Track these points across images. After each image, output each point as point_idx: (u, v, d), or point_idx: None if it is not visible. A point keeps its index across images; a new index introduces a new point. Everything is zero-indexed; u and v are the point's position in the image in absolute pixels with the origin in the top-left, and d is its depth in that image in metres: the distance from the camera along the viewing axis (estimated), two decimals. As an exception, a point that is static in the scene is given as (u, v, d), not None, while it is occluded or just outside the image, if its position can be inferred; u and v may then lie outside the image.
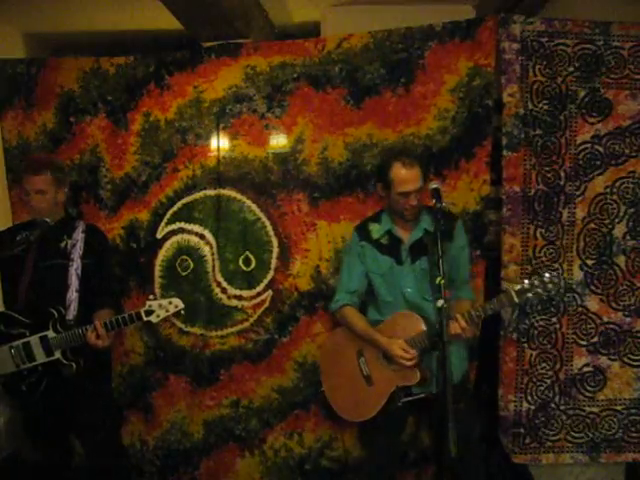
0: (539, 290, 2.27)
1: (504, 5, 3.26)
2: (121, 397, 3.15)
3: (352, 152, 2.94)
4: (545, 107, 2.74)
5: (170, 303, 2.50)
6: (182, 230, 3.11)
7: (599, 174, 2.76)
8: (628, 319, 2.81)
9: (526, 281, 2.29)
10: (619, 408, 2.84)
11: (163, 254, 3.12)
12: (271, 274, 3.04)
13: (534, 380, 2.83)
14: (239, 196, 3.05)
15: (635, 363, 2.82)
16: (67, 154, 3.13)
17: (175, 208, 3.10)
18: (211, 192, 3.07)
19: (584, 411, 2.85)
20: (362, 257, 2.57)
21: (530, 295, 2.28)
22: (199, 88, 3.04)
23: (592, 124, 2.75)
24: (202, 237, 3.09)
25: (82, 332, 2.45)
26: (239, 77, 3.01)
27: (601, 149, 2.75)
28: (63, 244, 2.61)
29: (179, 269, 3.11)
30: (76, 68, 3.12)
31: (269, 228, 3.03)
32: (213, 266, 3.09)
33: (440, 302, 2.06)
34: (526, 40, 2.72)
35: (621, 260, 2.79)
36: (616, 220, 2.77)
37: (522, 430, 2.84)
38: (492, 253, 2.88)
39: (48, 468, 2.70)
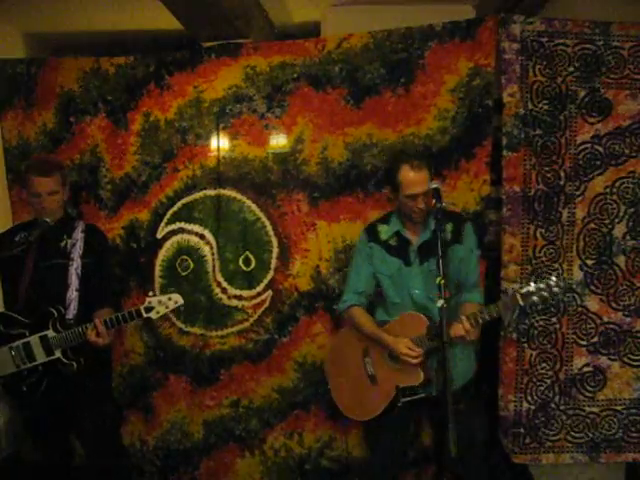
0: (544, 294, 2.26)
1: (504, 5, 3.25)
2: (121, 397, 3.15)
3: (352, 152, 2.94)
4: (545, 107, 2.74)
5: (170, 299, 2.51)
6: (182, 230, 3.11)
7: (599, 174, 2.76)
8: (628, 319, 2.81)
9: (532, 284, 2.29)
10: (619, 408, 2.84)
11: (163, 254, 3.12)
12: (271, 274, 3.04)
13: (534, 380, 2.83)
14: (239, 196, 3.06)
15: (635, 363, 2.82)
16: (67, 154, 3.13)
17: (175, 208, 3.10)
18: (211, 192, 3.07)
19: (584, 411, 2.85)
20: (370, 258, 2.57)
21: (535, 298, 2.27)
22: (199, 88, 3.04)
23: (592, 124, 2.75)
24: (202, 237, 3.09)
25: (82, 330, 2.45)
26: (239, 77, 3.02)
27: (601, 149, 2.75)
28: (63, 244, 2.62)
29: (179, 269, 3.11)
30: (76, 68, 3.12)
31: (269, 228, 3.03)
32: (213, 266, 3.09)
33: (440, 302, 2.06)
34: (526, 40, 2.72)
35: (621, 260, 2.79)
36: (616, 220, 2.77)
37: (522, 430, 2.84)
38: (492, 253, 2.88)
39: (48, 468, 2.70)
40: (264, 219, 3.04)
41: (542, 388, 2.83)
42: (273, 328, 3.05)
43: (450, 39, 2.81)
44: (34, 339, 2.50)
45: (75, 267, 2.56)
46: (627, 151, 2.75)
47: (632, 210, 2.76)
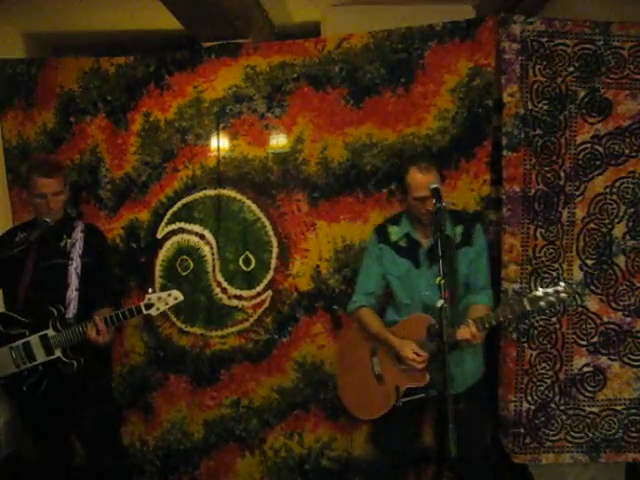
0: (552, 299, 2.26)
1: (504, 5, 3.25)
2: (121, 397, 3.15)
3: (352, 152, 2.94)
4: (545, 107, 2.74)
5: (169, 295, 2.52)
6: (182, 230, 3.11)
7: (599, 174, 2.76)
8: (628, 319, 2.81)
9: (540, 289, 2.29)
10: (619, 408, 2.84)
11: (163, 254, 3.12)
12: (271, 274, 3.04)
13: (534, 380, 2.83)
14: (239, 196, 3.06)
15: (635, 363, 2.82)
16: (67, 154, 3.13)
17: (175, 208, 3.10)
18: (211, 192, 3.07)
19: (584, 411, 2.84)
20: (380, 259, 2.58)
21: (543, 304, 2.27)
22: (199, 88, 3.04)
23: (592, 124, 2.75)
24: (202, 237, 3.09)
25: (82, 329, 2.46)
26: (239, 77, 3.01)
27: (601, 149, 2.75)
28: (63, 243, 2.63)
29: (179, 269, 3.11)
30: (76, 68, 3.12)
31: (269, 228, 3.03)
32: (213, 266, 3.09)
33: (440, 302, 2.06)
34: (526, 40, 2.71)
35: (621, 260, 2.79)
36: (616, 220, 2.77)
37: (522, 430, 2.84)
38: (492, 253, 2.88)
39: (48, 468, 2.70)
40: (264, 219, 3.04)
41: (542, 388, 2.83)
42: (273, 328, 3.05)
43: (450, 39, 2.81)
44: (34, 339, 2.50)
45: (75, 267, 2.57)
46: (627, 151, 2.75)
47: (632, 210, 2.76)
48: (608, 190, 2.76)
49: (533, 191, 2.77)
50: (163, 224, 3.12)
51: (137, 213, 3.12)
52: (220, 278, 3.08)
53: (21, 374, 2.52)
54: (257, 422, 3.10)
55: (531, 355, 2.82)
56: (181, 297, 2.54)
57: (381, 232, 2.62)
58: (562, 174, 2.76)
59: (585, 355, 2.82)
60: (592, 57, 2.71)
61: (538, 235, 2.79)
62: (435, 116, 2.85)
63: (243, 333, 3.08)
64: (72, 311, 2.51)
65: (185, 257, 3.11)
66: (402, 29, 2.87)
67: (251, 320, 3.07)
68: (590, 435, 2.85)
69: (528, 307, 2.29)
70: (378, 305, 2.65)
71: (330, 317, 3.00)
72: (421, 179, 2.38)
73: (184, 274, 3.10)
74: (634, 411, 2.83)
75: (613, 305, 2.80)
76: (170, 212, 3.11)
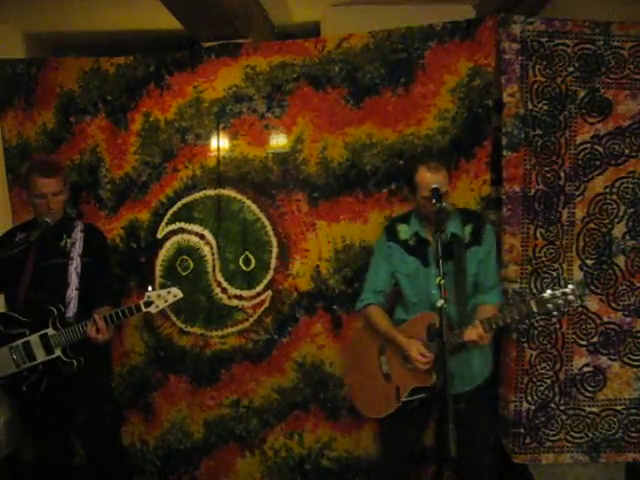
0: (560, 301, 2.25)
1: (504, 5, 3.25)
2: (121, 397, 3.15)
3: (352, 152, 2.94)
4: (545, 107, 2.74)
5: (169, 293, 2.52)
6: (182, 230, 3.11)
7: (599, 174, 2.76)
8: (628, 319, 2.81)
9: (548, 291, 2.27)
10: (619, 408, 2.84)
11: (163, 254, 3.12)
12: (271, 274, 3.04)
13: (534, 380, 2.83)
14: (239, 196, 3.06)
15: (635, 363, 2.82)
16: (67, 154, 3.13)
17: (175, 208, 3.10)
18: (211, 192, 3.07)
19: (584, 411, 2.85)
20: (389, 257, 2.59)
21: (550, 306, 2.26)
22: (199, 88, 3.04)
23: (592, 124, 2.75)
24: (202, 237, 3.09)
25: (82, 327, 2.46)
26: (239, 77, 3.01)
27: (601, 149, 2.75)
28: (62, 243, 2.63)
29: (179, 269, 3.11)
30: (76, 68, 3.12)
31: (269, 228, 3.03)
32: (213, 266, 3.09)
33: (440, 302, 2.06)
34: (526, 40, 2.71)
35: (621, 260, 2.79)
36: (616, 220, 2.77)
37: (522, 430, 2.84)
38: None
39: (47, 468, 2.70)
40: (264, 219, 3.04)
41: (542, 388, 2.83)
42: (273, 328, 3.05)
43: (450, 39, 2.81)
44: (34, 338, 2.51)
45: (75, 266, 2.57)
46: (627, 151, 2.75)
47: (632, 210, 2.76)
48: (608, 190, 2.76)
49: (533, 191, 2.77)
50: (163, 224, 3.12)
51: (137, 213, 3.12)
52: (220, 278, 3.08)
53: (21, 374, 2.52)
54: (257, 422, 3.10)
55: (531, 355, 2.82)
56: (180, 294, 2.54)
57: (390, 230, 2.62)
58: (562, 174, 2.76)
59: (585, 355, 2.83)
60: (592, 57, 2.71)
61: (538, 235, 2.79)
62: (435, 116, 2.85)
63: (243, 333, 3.08)
64: (72, 310, 2.52)
65: (185, 257, 3.11)
66: (402, 29, 2.87)
67: (251, 320, 3.07)
68: (590, 435, 2.85)
69: (535, 309, 2.28)
70: (387, 304, 2.65)
71: (330, 317, 3.00)
72: (430, 178, 2.37)
73: (184, 274, 3.10)
74: (634, 411, 2.83)
75: (613, 305, 2.80)
76: (170, 212, 3.11)
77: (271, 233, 3.04)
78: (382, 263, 2.61)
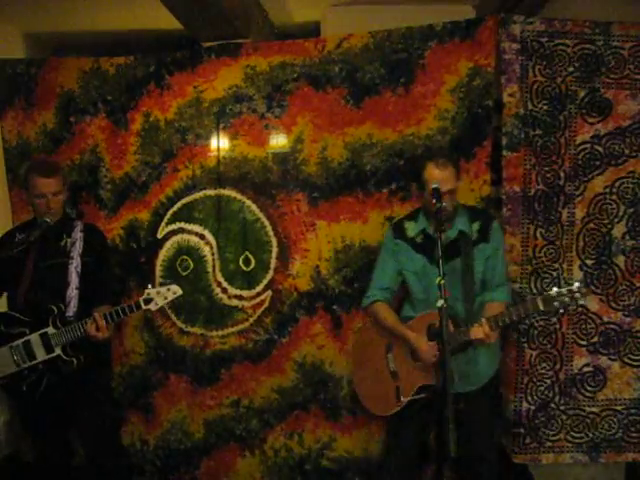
0: (566, 299, 2.25)
1: (504, 5, 3.25)
2: (121, 397, 3.15)
3: (352, 152, 2.94)
4: (545, 107, 2.74)
5: (168, 290, 2.52)
6: (182, 230, 3.11)
7: (598, 174, 2.76)
8: (628, 319, 2.81)
9: (555, 288, 2.27)
10: (619, 408, 2.84)
11: (163, 254, 3.12)
12: (270, 274, 3.04)
13: (534, 380, 2.83)
14: (239, 196, 3.06)
15: (635, 363, 2.82)
16: (67, 154, 3.13)
17: (175, 208, 3.10)
18: (211, 192, 3.07)
19: (584, 411, 2.85)
20: (396, 255, 2.59)
21: (556, 304, 2.26)
22: (199, 88, 3.04)
23: (592, 124, 2.75)
24: (202, 237, 3.09)
25: (82, 325, 2.46)
26: (239, 77, 3.02)
27: (601, 149, 2.75)
28: (63, 243, 2.64)
29: (179, 269, 3.11)
30: (76, 68, 3.13)
31: (269, 228, 3.03)
32: (213, 266, 3.09)
33: (440, 302, 2.05)
34: (526, 40, 2.72)
35: (620, 260, 2.79)
36: (615, 220, 2.77)
37: (522, 430, 2.84)
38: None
39: (47, 468, 2.70)
40: (264, 219, 3.04)
41: (542, 388, 2.83)
42: (273, 328, 3.05)
43: (450, 39, 2.81)
44: (34, 337, 2.51)
45: (75, 266, 2.58)
46: (627, 151, 2.75)
47: (632, 210, 2.76)
48: (608, 190, 2.76)
49: (533, 191, 2.77)
50: (163, 224, 3.12)
51: (137, 213, 3.12)
52: (220, 278, 3.08)
53: (21, 373, 2.52)
54: (257, 422, 3.09)
55: (531, 355, 2.82)
56: (180, 291, 2.54)
57: (398, 228, 2.62)
58: (562, 174, 2.77)
59: (585, 355, 2.83)
60: (592, 57, 2.71)
61: (538, 235, 2.79)
62: (435, 116, 2.85)
63: (243, 333, 3.08)
64: (72, 309, 2.52)
65: (185, 257, 3.11)
66: (402, 29, 2.87)
67: (251, 320, 3.07)
68: (590, 435, 2.85)
69: (542, 307, 2.28)
70: (394, 301, 2.65)
71: (330, 317, 3.00)
72: (438, 175, 2.38)
73: (184, 274, 3.10)
74: (634, 411, 2.83)
75: (613, 305, 2.81)
76: (170, 212, 3.11)
77: (271, 233, 3.04)
78: (389, 260, 2.62)
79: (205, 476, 3.16)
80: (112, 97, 3.11)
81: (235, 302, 3.07)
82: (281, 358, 3.05)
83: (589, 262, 2.79)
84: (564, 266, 2.80)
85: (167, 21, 3.13)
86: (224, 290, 3.08)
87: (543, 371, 2.83)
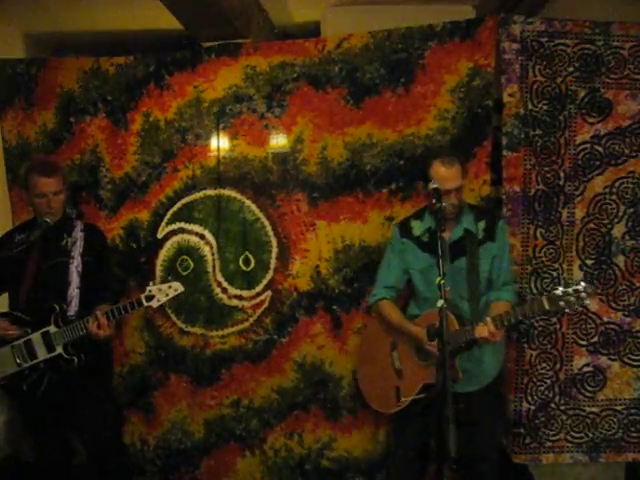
0: (572, 299, 2.24)
1: (504, 5, 3.26)
2: (122, 397, 3.15)
3: (352, 152, 2.94)
4: (545, 107, 2.74)
5: (170, 287, 2.53)
6: (182, 230, 3.11)
7: (598, 174, 2.76)
8: (628, 319, 2.81)
9: (560, 288, 2.26)
10: (619, 408, 2.84)
11: (164, 254, 3.13)
12: (270, 274, 3.03)
13: (534, 380, 2.83)
14: (239, 196, 3.06)
15: (635, 363, 2.82)
16: (67, 154, 3.13)
17: (175, 208, 3.10)
18: (211, 192, 3.07)
19: (584, 411, 2.84)
20: (402, 253, 2.60)
21: (562, 303, 2.25)
22: (199, 88, 3.04)
23: (592, 124, 2.75)
24: (202, 237, 3.09)
25: (83, 323, 2.46)
26: (239, 77, 3.01)
27: (601, 149, 2.75)
28: (64, 242, 2.64)
29: (179, 269, 3.11)
30: (76, 68, 3.13)
31: (268, 228, 3.03)
32: (213, 266, 3.09)
33: (440, 302, 2.05)
34: (526, 40, 2.72)
35: (620, 260, 2.79)
36: (615, 220, 2.77)
37: (522, 430, 2.84)
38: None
39: (48, 468, 2.70)
40: (263, 219, 3.04)
41: (542, 388, 2.83)
42: (272, 328, 3.05)
43: (450, 39, 2.81)
44: (36, 336, 2.51)
45: (76, 265, 2.58)
46: (627, 151, 2.75)
47: (631, 210, 2.76)
48: (607, 190, 2.76)
49: (533, 191, 2.77)
50: (163, 224, 3.12)
51: (137, 213, 3.12)
52: (220, 278, 3.08)
53: (22, 373, 2.53)
54: (257, 422, 3.09)
55: (531, 355, 2.82)
56: (181, 288, 2.54)
57: (403, 227, 2.63)
58: (562, 174, 2.77)
59: (585, 355, 2.83)
60: (592, 57, 2.71)
61: (538, 235, 2.79)
62: (435, 116, 2.85)
63: (243, 333, 3.08)
64: (74, 309, 2.53)
65: (185, 257, 3.11)
66: (402, 29, 2.87)
67: (251, 320, 3.07)
68: (590, 435, 2.85)
69: (547, 306, 2.27)
70: (399, 299, 2.66)
71: (330, 317, 3.00)
72: (445, 172, 2.39)
73: (184, 274, 3.10)
74: (634, 411, 2.83)
75: (613, 305, 2.81)
76: (170, 212, 3.11)
77: (271, 233, 3.04)
78: (394, 259, 2.62)
79: (205, 476, 3.16)
80: (112, 97, 3.11)
81: (235, 302, 3.07)
82: (281, 358, 3.05)
83: (589, 262, 2.79)
84: (564, 266, 2.80)
85: (167, 21, 3.14)
86: (224, 290, 3.08)
87: (543, 371, 2.83)
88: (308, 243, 3.01)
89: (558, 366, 2.83)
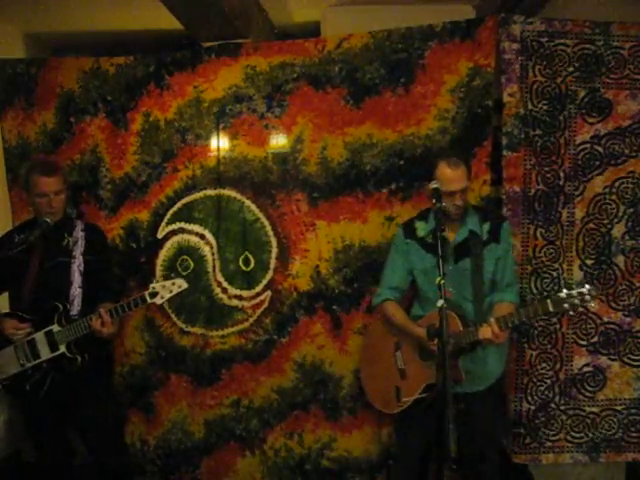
0: (576, 301, 2.24)
1: (504, 5, 3.26)
2: (122, 397, 3.14)
3: (352, 152, 2.94)
4: (545, 107, 2.74)
5: (173, 284, 2.53)
6: (182, 230, 3.11)
7: (598, 174, 2.76)
8: (628, 319, 2.81)
9: (565, 290, 2.26)
10: (619, 408, 2.84)
11: (164, 254, 3.12)
12: (270, 274, 3.03)
13: (534, 380, 2.84)
14: (239, 196, 3.06)
15: (635, 363, 2.82)
16: (67, 154, 3.13)
17: (175, 208, 3.10)
18: (211, 192, 3.07)
19: (584, 411, 2.85)
20: (407, 254, 2.60)
21: (566, 305, 2.25)
22: (199, 88, 3.04)
23: (592, 124, 2.75)
24: (202, 237, 3.09)
25: (87, 321, 2.47)
26: (239, 77, 3.01)
27: (600, 149, 2.75)
28: (65, 242, 2.64)
29: (180, 269, 3.11)
30: (76, 68, 3.12)
31: (268, 228, 3.03)
32: (213, 266, 3.09)
33: (440, 302, 2.05)
34: (526, 40, 2.72)
35: (620, 260, 2.79)
36: (615, 220, 2.77)
37: (522, 430, 2.85)
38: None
39: (48, 468, 2.70)
40: (263, 219, 3.04)
41: (542, 388, 2.83)
42: (272, 329, 3.05)
43: (450, 39, 2.81)
44: (39, 335, 2.52)
45: (77, 264, 2.59)
46: (627, 151, 2.75)
47: (631, 210, 2.77)
48: (607, 190, 2.76)
49: (533, 191, 2.78)
50: (163, 224, 3.12)
51: (137, 213, 3.12)
52: (220, 278, 3.08)
53: (25, 373, 2.53)
54: (257, 422, 3.10)
55: (531, 355, 2.82)
56: (185, 285, 2.55)
57: (408, 228, 2.63)
58: (562, 174, 2.77)
59: (585, 355, 2.83)
60: (592, 57, 2.71)
61: (538, 235, 2.79)
62: (435, 116, 2.85)
63: (243, 333, 3.08)
64: (76, 308, 2.54)
65: (185, 257, 3.11)
66: (402, 29, 2.87)
67: (250, 320, 3.07)
68: (590, 435, 2.85)
69: (551, 309, 2.27)
70: (403, 301, 2.66)
71: (330, 317, 3.00)
72: (450, 174, 2.39)
73: (184, 274, 3.09)
74: (634, 411, 2.83)
75: (613, 305, 2.81)
76: (170, 212, 3.11)
77: (271, 233, 3.03)
78: (399, 260, 2.63)
79: (205, 476, 3.16)
80: (112, 97, 3.11)
81: (235, 302, 3.07)
82: (281, 358, 3.05)
83: (589, 262, 2.79)
84: (564, 266, 2.80)
85: (167, 21, 3.14)
86: (224, 290, 3.08)
87: (543, 371, 2.83)
88: (308, 243, 3.01)
89: (558, 366, 2.83)
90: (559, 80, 2.73)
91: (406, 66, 2.86)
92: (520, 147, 2.75)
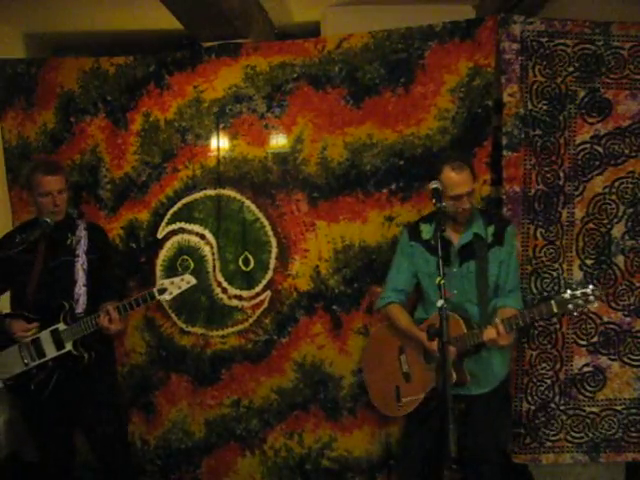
0: (580, 302, 2.24)
1: (504, 5, 3.25)
2: (123, 396, 3.14)
3: (352, 152, 2.94)
4: (545, 107, 2.74)
5: (182, 280, 2.53)
6: (182, 230, 3.11)
7: (598, 174, 2.76)
8: (628, 319, 2.81)
9: (569, 291, 2.27)
10: (619, 408, 2.84)
11: (164, 254, 3.13)
12: (270, 274, 3.04)
13: (534, 380, 2.84)
14: (239, 196, 3.06)
15: (635, 363, 2.82)
16: (67, 154, 3.13)
17: (175, 208, 3.10)
18: (211, 192, 3.07)
19: (584, 411, 2.85)
20: (411, 257, 2.60)
21: (570, 306, 2.25)
22: (199, 88, 3.04)
23: (592, 124, 2.75)
24: (202, 237, 3.09)
25: (94, 318, 2.47)
26: (239, 77, 3.01)
27: (600, 149, 2.75)
28: (68, 241, 2.64)
29: (180, 269, 3.11)
30: (76, 68, 3.12)
31: (268, 228, 3.03)
32: (214, 266, 3.09)
33: (440, 302, 2.05)
34: (526, 40, 2.72)
35: (620, 260, 2.79)
36: (615, 220, 2.77)
37: (522, 430, 2.85)
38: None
39: (51, 467, 2.70)
40: (263, 219, 3.04)
41: (542, 388, 2.83)
42: (272, 329, 3.05)
43: (450, 39, 2.81)
44: (44, 334, 2.51)
45: (81, 263, 2.59)
46: (627, 151, 2.75)
47: (631, 210, 2.77)
48: (607, 190, 2.76)
49: (533, 191, 2.78)
50: (163, 224, 3.12)
51: (137, 213, 3.12)
52: (220, 278, 3.09)
53: (29, 372, 2.52)
54: (257, 422, 3.10)
55: (531, 355, 2.82)
56: (194, 281, 2.54)
57: (413, 230, 2.63)
58: (562, 174, 2.77)
59: (585, 355, 2.83)
60: (592, 57, 2.71)
61: (538, 235, 2.79)
62: (435, 116, 2.85)
63: (243, 333, 3.08)
64: (82, 306, 2.54)
65: (185, 257, 3.11)
66: (402, 29, 2.87)
67: (250, 320, 3.07)
68: (590, 435, 2.85)
69: (556, 309, 2.28)
70: (407, 303, 2.66)
71: (330, 317, 3.00)
72: (455, 177, 2.39)
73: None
74: (634, 411, 2.83)
75: (613, 305, 2.81)
76: (170, 212, 3.11)
77: (270, 233, 3.04)
78: (404, 262, 2.62)
79: (205, 475, 3.16)
80: (112, 97, 3.11)
81: (235, 302, 3.08)
82: (281, 358, 3.05)
83: (589, 262, 2.79)
84: (564, 266, 2.80)
85: (167, 21, 3.13)
86: (224, 290, 3.09)
87: (543, 371, 2.83)
88: (308, 243, 3.01)
89: (558, 366, 2.83)
90: (559, 80, 2.73)
91: (406, 66, 2.86)
92: (520, 147, 2.75)
